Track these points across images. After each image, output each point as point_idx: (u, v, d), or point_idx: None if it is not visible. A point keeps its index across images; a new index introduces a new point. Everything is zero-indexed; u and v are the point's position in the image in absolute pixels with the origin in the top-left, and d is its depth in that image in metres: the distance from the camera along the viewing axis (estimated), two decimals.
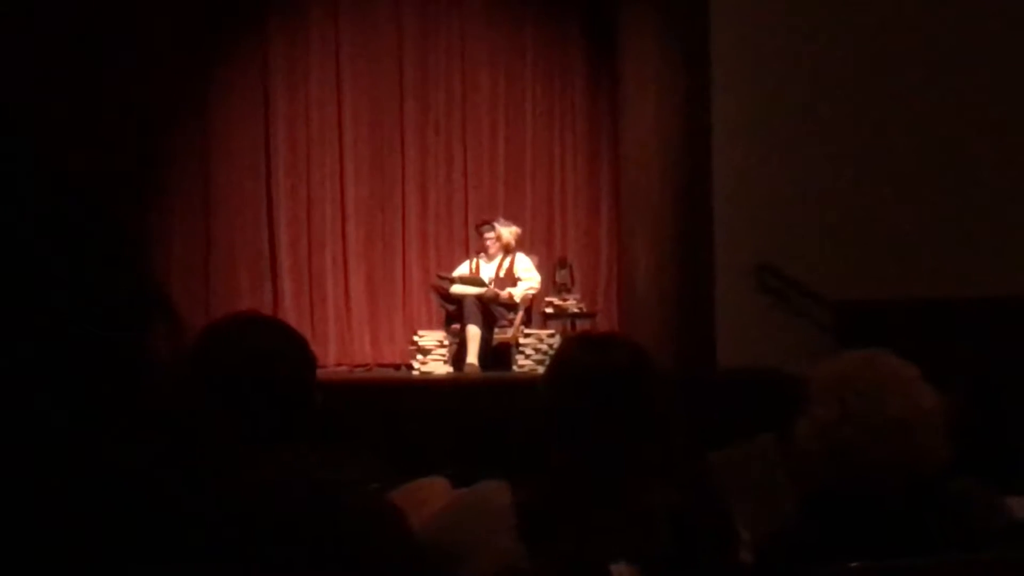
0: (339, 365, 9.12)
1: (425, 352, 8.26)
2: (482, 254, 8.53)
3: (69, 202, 0.61)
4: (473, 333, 8.08)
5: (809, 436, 2.12)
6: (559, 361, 2.19)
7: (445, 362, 8.24)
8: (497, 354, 8.21)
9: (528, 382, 7.54)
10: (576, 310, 8.59)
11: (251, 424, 1.80)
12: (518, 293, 8.29)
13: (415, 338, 8.39)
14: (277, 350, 1.96)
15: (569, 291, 8.70)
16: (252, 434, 1.79)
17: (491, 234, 8.45)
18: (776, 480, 2.73)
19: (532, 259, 8.54)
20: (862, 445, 2.05)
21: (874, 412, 2.07)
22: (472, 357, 8.04)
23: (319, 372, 2.17)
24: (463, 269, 8.56)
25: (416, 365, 8.26)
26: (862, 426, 2.06)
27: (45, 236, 0.59)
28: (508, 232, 8.46)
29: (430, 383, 7.81)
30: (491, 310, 8.21)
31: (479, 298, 8.18)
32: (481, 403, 6.77)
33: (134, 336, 0.61)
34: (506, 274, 8.38)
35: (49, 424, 0.57)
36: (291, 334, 2.03)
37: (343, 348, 9.29)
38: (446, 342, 8.29)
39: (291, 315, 8.89)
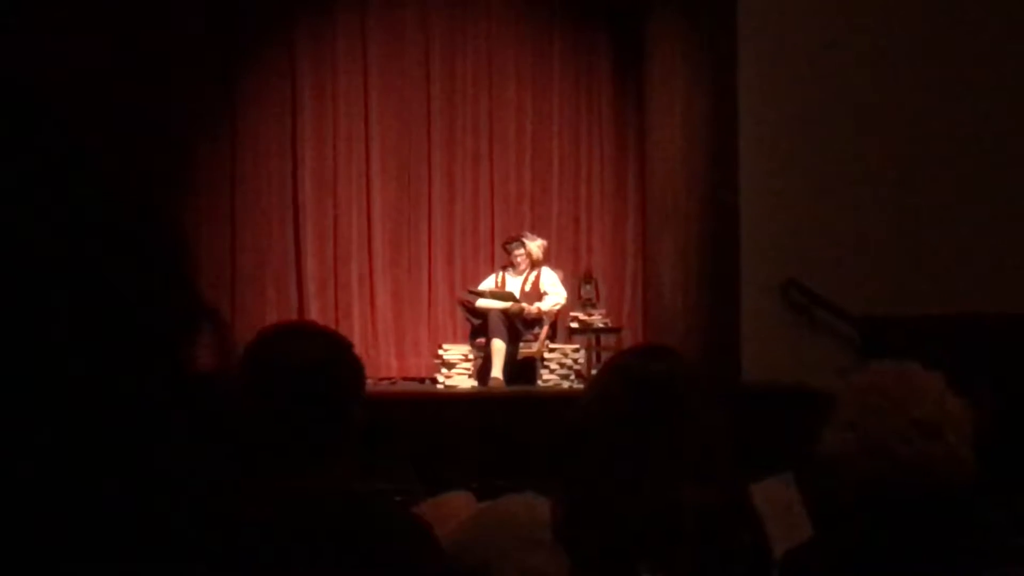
0: None
1: (450, 366, 8.26)
2: (509, 268, 8.52)
3: (123, 205, 0.62)
4: (498, 347, 8.07)
5: (835, 441, 2.10)
6: (606, 370, 2.18)
7: (470, 376, 8.23)
8: (522, 368, 8.20)
9: (553, 397, 7.53)
10: (601, 325, 8.58)
11: (296, 435, 1.82)
12: (544, 307, 8.28)
13: (440, 352, 8.39)
14: (323, 364, 1.96)
15: (594, 306, 8.69)
16: (297, 445, 1.80)
17: (520, 251, 8.43)
18: (796, 514, 2.71)
19: (557, 274, 8.53)
20: (887, 445, 2.04)
21: (899, 413, 2.05)
22: (497, 371, 8.03)
23: None
24: (489, 283, 8.55)
25: (441, 379, 8.26)
26: (887, 426, 2.04)
27: (98, 239, 0.59)
28: (536, 247, 8.45)
29: (455, 397, 7.81)
30: (516, 324, 8.20)
31: (505, 312, 8.18)
32: (505, 418, 6.77)
33: (184, 344, 0.62)
34: (532, 288, 8.37)
35: (97, 432, 0.58)
36: (340, 347, 2.03)
37: (368, 361, 9.20)
38: (471, 356, 8.29)
39: None
